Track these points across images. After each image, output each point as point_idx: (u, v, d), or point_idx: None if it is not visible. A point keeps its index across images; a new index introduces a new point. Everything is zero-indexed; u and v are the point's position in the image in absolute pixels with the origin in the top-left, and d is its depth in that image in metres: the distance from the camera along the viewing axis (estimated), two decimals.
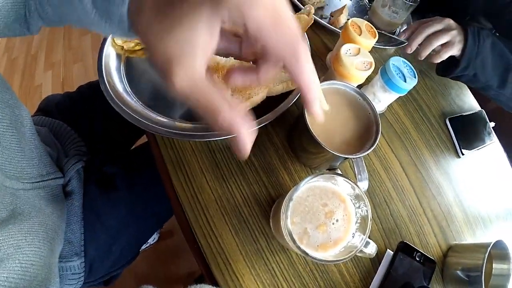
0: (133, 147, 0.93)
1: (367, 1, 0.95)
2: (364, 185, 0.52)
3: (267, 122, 0.57)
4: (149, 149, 0.83)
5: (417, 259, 0.61)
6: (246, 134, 0.26)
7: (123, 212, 0.72)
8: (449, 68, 0.78)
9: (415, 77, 0.62)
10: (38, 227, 0.48)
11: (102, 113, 0.82)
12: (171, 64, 0.23)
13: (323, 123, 0.54)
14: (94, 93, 0.86)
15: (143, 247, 1.27)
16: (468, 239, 0.70)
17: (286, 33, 0.24)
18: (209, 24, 0.23)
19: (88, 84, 0.90)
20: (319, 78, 0.67)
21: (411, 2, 0.81)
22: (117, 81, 0.61)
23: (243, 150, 0.26)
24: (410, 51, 0.79)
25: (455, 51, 0.75)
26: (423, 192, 0.70)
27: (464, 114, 0.84)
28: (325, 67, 0.75)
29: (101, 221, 0.69)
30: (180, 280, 1.27)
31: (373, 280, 0.58)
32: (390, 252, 0.61)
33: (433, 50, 0.77)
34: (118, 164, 0.77)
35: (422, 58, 0.78)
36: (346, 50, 0.62)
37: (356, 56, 0.62)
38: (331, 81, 0.57)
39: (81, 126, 0.77)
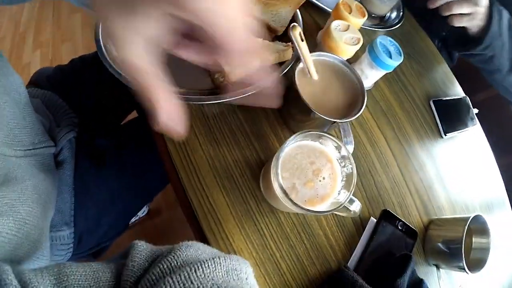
0: (124, 122, 0.94)
1: None
2: (349, 148, 0.55)
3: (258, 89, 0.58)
4: (139, 124, 0.84)
5: (400, 228, 0.65)
6: (167, 106, 0.27)
7: (113, 186, 0.73)
8: (468, 44, 0.78)
9: (400, 55, 0.66)
10: (32, 189, 0.49)
11: (94, 86, 0.83)
12: (117, 44, 0.24)
13: (312, 92, 0.56)
14: (86, 66, 0.86)
15: (133, 220, 1.28)
16: (449, 215, 0.74)
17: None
18: (160, 21, 0.24)
19: (80, 57, 0.90)
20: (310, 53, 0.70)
21: None
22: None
23: (162, 122, 0.28)
24: (432, 6, 0.80)
25: (470, 23, 0.75)
26: (406, 166, 0.73)
27: (449, 98, 0.88)
28: (316, 45, 0.77)
29: (91, 193, 0.70)
30: None
31: (357, 245, 0.61)
32: (373, 220, 0.64)
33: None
34: (109, 138, 0.78)
35: (432, 7, 0.79)
36: (336, 25, 0.64)
37: (345, 32, 0.65)
38: (320, 52, 0.59)
39: (72, 99, 0.78)
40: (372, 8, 0.90)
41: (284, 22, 0.67)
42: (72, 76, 0.84)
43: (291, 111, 0.60)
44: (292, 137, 0.45)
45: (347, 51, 0.64)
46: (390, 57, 0.64)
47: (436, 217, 0.72)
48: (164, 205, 1.31)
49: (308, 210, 0.44)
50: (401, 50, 0.67)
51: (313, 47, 0.74)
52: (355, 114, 0.55)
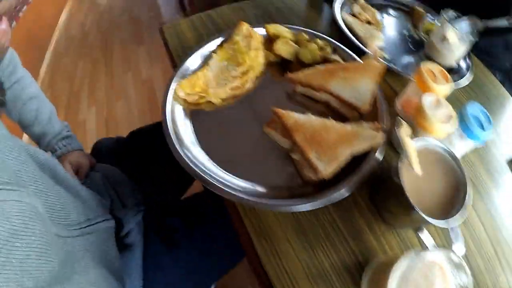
0: (188, 194, 0.92)
1: (423, 34, 0.92)
2: (460, 251, 0.48)
3: (355, 188, 0.54)
4: (205, 198, 0.82)
5: None
6: None
7: (185, 268, 0.71)
8: None
9: (490, 123, 0.60)
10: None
11: (155, 159, 0.82)
12: None
13: (415, 187, 0.51)
14: (145, 138, 0.87)
15: None
16: None
17: None
18: None
19: (139, 129, 0.91)
20: (389, 125, 0.65)
21: (472, 38, 0.78)
22: (186, 138, 0.60)
23: None
24: None
25: None
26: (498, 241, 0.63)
27: None
28: (394, 112, 0.72)
29: (163, 274, 0.68)
30: None
31: None
32: None
33: None
34: (180, 215, 0.76)
35: None
36: (427, 102, 0.59)
37: (437, 107, 0.59)
38: (421, 138, 0.54)
39: (134, 173, 0.77)
40: (441, 60, 0.85)
41: (366, 98, 0.63)
42: (133, 149, 0.85)
43: (389, 205, 0.55)
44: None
45: (442, 131, 0.58)
46: (482, 127, 0.59)
47: None
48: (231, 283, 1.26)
49: None
50: (490, 118, 0.60)
51: (392, 116, 0.70)
52: (460, 211, 0.49)
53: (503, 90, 0.87)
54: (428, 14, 0.96)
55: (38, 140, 0.75)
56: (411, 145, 0.50)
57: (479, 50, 0.89)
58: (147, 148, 0.84)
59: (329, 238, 0.55)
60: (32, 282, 0.34)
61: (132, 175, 0.77)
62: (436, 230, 0.60)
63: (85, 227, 0.52)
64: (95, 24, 2.72)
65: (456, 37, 0.78)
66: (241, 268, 0.79)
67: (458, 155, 0.66)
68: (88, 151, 0.85)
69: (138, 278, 0.64)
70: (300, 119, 0.57)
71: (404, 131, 0.49)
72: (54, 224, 0.44)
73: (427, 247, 0.49)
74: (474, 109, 0.60)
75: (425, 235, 0.51)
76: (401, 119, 0.50)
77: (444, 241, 0.58)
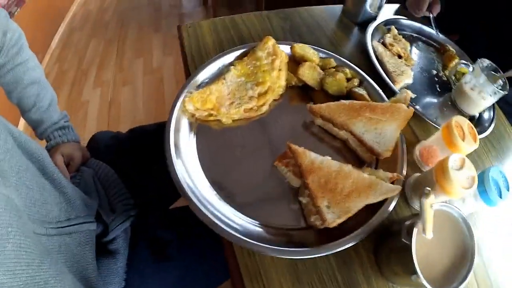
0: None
1: (452, 77, 0.87)
2: None
3: (359, 240, 0.51)
4: None
5: None
6: None
7: (170, 282, 0.67)
8: None
9: (508, 191, 0.57)
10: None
11: (152, 162, 0.77)
12: None
13: (422, 252, 0.47)
14: (145, 138, 0.83)
15: None
16: None
17: None
18: None
19: (140, 127, 0.87)
20: (409, 175, 0.61)
21: (501, 91, 0.73)
22: (185, 153, 0.56)
23: None
24: None
25: None
26: None
27: None
28: (413, 161, 0.67)
29: (145, 286, 0.64)
30: None
31: None
32: None
33: None
34: (172, 228, 0.72)
35: None
36: (453, 162, 0.55)
37: (462, 169, 0.55)
38: (441, 204, 0.50)
39: (129, 176, 0.74)
40: (466, 108, 0.80)
41: (389, 145, 0.58)
42: (131, 148, 0.81)
43: (392, 263, 0.51)
44: None
45: (462, 195, 0.54)
46: (500, 194, 0.56)
47: None
48: None
49: None
50: (509, 183, 0.58)
51: (411, 164, 0.66)
52: (460, 283, 0.45)
53: None
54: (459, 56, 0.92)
55: (34, 127, 0.73)
56: (431, 215, 0.45)
57: (501, 99, 0.86)
58: (146, 149, 0.80)
59: None
60: (7, 277, 0.33)
61: (126, 176, 0.74)
62: None
63: (64, 226, 0.49)
64: (114, 1, 2.67)
65: (490, 90, 0.74)
66: None
67: (466, 212, 0.63)
68: (85, 134, 0.81)
69: (119, 287, 0.60)
70: (316, 161, 0.52)
71: (430, 203, 0.45)
72: (31, 220, 0.42)
73: None
74: (495, 173, 0.58)
75: None
76: (430, 191, 0.46)
77: None
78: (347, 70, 0.69)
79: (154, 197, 0.79)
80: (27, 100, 0.69)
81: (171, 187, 0.79)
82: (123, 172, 0.73)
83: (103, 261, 0.60)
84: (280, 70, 0.65)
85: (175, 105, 0.59)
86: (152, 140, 0.80)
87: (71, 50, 2.20)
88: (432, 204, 0.46)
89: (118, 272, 0.61)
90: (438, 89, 0.85)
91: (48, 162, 0.53)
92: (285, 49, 0.69)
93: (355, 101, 0.61)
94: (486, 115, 0.83)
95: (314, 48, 0.71)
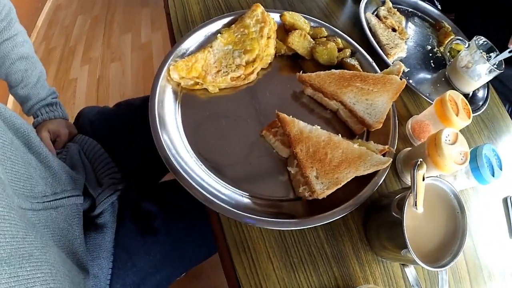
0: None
1: (447, 53, 0.85)
2: None
3: (349, 211, 0.50)
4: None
5: None
6: None
7: (157, 257, 0.67)
8: None
9: (501, 170, 0.57)
10: (53, 260, 0.42)
11: (139, 136, 0.77)
12: None
13: (412, 226, 0.46)
14: (132, 112, 0.81)
15: None
16: None
17: None
18: None
19: (126, 101, 0.86)
20: (400, 149, 0.60)
21: (497, 69, 0.72)
22: (171, 125, 0.54)
23: None
24: None
25: None
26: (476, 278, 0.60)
27: None
28: (404, 136, 0.66)
29: (133, 261, 0.63)
30: None
31: None
32: None
33: None
34: (157, 202, 0.71)
35: None
36: (446, 136, 0.54)
37: (454, 144, 0.54)
38: (433, 178, 0.49)
39: (115, 148, 0.73)
40: (460, 85, 0.79)
41: (380, 116, 0.57)
42: (117, 123, 0.79)
43: (382, 237, 0.50)
44: None
45: (452, 170, 0.53)
46: (493, 172, 0.56)
47: None
48: (203, 270, 1.22)
49: None
50: (502, 162, 0.58)
51: (402, 138, 0.65)
52: (453, 257, 0.45)
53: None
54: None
55: (22, 103, 0.72)
56: (423, 188, 0.44)
57: (495, 77, 0.85)
58: (132, 122, 0.78)
59: (313, 261, 0.50)
60: None
61: (113, 150, 0.72)
62: (423, 269, 0.56)
63: (50, 201, 0.49)
64: None
65: (485, 68, 0.72)
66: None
67: (458, 188, 0.62)
68: (74, 112, 0.80)
69: (107, 262, 0.60)
70: (305, 130, 0.51)
71: (422, 175, 0.44)
72: (16, 195, 0.42)
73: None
74: (488, 152, 0.58)
75: (410, 271, 0.49)
76: (423, 163, 0.45)
77: (428, 280, 0.55)
78: (339, 40, 0.66)
79: (141, 171, 0.78)
80: (15, 75, 0.68)
81: (158, 160, 0.79)
82: (110, 146, 0.72)
83: (91, 235, 0.59)
84: (269, 38, 0.62)
85: (160, 74, 0.56)
86: (138, 114, 0.78)
87: (58, 28, 2.13)
88: (424, 176, 0.45)
89: (106, 246, 0.60)
90: (432, 64, 0.83)
91: (33, 138, 0.52)
92: (274, 17, 0.66)
93: (346, 71, 0.59)
94: (480, 94, 0.83)
95: (305, 17, 0.68)
